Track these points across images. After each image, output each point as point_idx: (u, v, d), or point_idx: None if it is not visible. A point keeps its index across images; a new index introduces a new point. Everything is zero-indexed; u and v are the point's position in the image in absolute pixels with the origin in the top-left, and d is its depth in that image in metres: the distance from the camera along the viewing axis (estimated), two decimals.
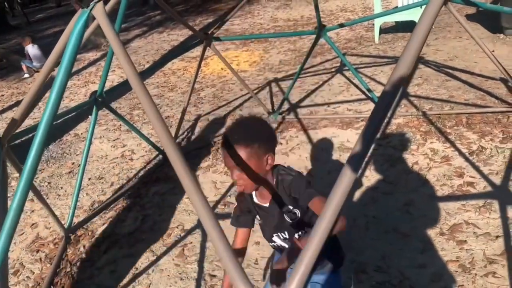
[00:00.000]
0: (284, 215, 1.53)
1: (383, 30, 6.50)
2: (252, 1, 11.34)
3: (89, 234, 3.09)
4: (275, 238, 1.62)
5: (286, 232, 1.58)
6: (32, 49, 8.25)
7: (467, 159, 3.06)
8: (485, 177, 2.83)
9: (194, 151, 4.01)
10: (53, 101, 1.32)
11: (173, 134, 4.00)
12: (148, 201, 3.35)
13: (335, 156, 3.47)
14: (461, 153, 3.15)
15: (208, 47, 3.71)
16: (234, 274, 0.93)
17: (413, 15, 5.79)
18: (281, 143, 3.85)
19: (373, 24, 6.60)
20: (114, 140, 4.62)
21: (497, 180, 2.78)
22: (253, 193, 1.60)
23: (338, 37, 7.01)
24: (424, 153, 3.24)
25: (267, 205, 1.56)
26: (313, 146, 3.67)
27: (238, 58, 6.90)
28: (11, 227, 1.28)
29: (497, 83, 4.16)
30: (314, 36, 3.98)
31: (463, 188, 2.78)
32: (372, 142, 0.97)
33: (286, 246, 1.61)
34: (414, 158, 3.20)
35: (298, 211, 1.52)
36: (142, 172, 3.83)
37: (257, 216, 1.63)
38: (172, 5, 13.68)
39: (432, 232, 2.47)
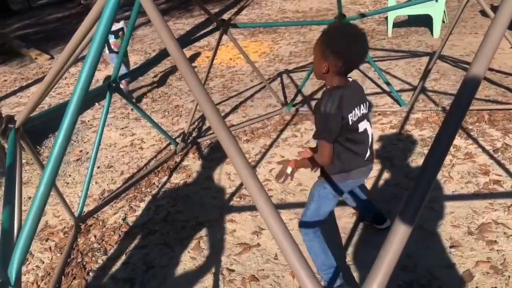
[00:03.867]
0: None
1: (395, 24, 6.38)
2: None
3: (100, 224, 2.99)
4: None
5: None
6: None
7: (491, 157, 2.98)
8: None
9: (207, 142, 3.91)
10: (84, 78, 1.21)
11: (185, 124, 3.90)
12: (160, 192, 3.26)
13: None
14: (484, 150, 3.06)
15: (225, 34, 3.60)
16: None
17: (428, 8, 5.67)
18: (296, 136, 3.75)
19: (385, 18, 6.48)
20: (122, 128, 4.50)
21: None
22: None
23: None
24: None
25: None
26: None
27: (247, 48, 6.77)
28: (35, 218, 1.18)
29: None
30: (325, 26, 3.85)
31: (489, 186, 2.69)
32: (454, 138, 0.89)
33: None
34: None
35: None
36: (152, 162, 3.72)
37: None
38: None
39: (459, 231, 2.38)
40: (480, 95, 3.86)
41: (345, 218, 2.63)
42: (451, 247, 2.29)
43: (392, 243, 0.84)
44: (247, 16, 9.20)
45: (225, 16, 3.77)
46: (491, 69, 4.39)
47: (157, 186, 3.33)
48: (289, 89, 4.89)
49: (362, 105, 1.83)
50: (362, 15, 3.85)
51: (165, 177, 3.43)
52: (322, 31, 1.78)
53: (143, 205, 3.14)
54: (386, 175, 3.00)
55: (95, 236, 2.87)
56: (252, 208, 2.87)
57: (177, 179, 3.39)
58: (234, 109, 4.59)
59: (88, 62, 1.23)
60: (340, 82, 1.78)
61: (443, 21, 5.95)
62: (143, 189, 3.32)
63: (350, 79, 1.85)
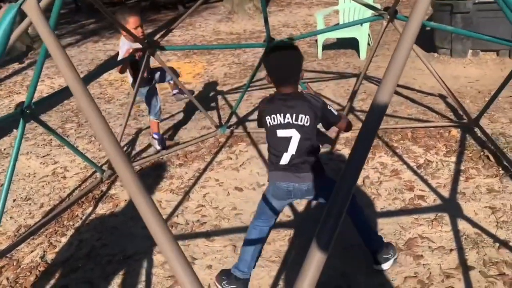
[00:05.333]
0: None
1: (325, 47, 6.64)
2: (193, 13, 11.16)
3: (14, 263, 2.68)
4: None
5: None
6: None
7: (415, 173, 3.12)
8: (434, 190, 2.89)
9: (136, 168, 3.72)
10: None
11: None
12: (84, 224, 3.01)
13: None
14: (409, 167, 3.20)
15: (152, 56, 3.49)
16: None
17: (355, 32, 5.97)
18: (231, 158, 3.69)
19: (315, 40, 6.73)
20: (43, 157, 4.17)
21: (445, 193, 2.84)
22: None
23: None
24: (374, 167, 3.26)
25: None
26: (264, 161, 3.55)
27: (180, 69, 6.65)
28: None
29: (436, 99, 4.36)
30: (260, 49, 3.90)
31: (414, 202, 2.80)
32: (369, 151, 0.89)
33: None
34: (365, 172, 3.20)
35: None
36: (76, 192, 3.46)
37: None
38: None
39: None
40: (404, 114, 4.08)
41: (279, 242, 2.59)
42: None
43: (309, 267, 0.79)
44: (181, 37, 9.13)
45: (159, 38, 3.66)
46: (412, 89, 4.68)
47: (81, 218, 3.08)
48: (224, 111, 4.85)
49: (288, 115, 1.98)
50: (291, 39, 3.94)
51: (90, 208, 3.19)
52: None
53: (64, 240, 2.88)
54: None
55: (7, 279, 2.57)
56: (184, 237, 2.74)
57: (103, 209, 3.16)
58: (167, 131, 4.45)
59: None
60: (277, 92, 2.06)
61: (368, 44, 6.29)
62: (65, 222, 3.06)
63: (291, 90, 2.03)
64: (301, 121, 1.97)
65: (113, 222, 2.99)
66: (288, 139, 1.99)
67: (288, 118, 1.97)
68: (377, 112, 0.90)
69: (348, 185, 0.85)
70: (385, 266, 2.25)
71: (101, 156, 4.04)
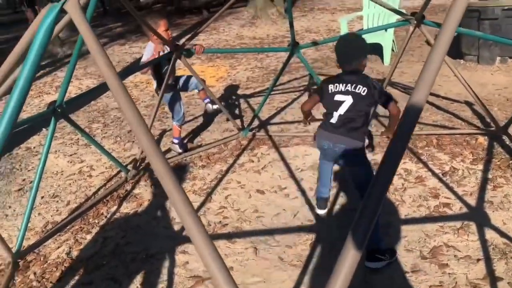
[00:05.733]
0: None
1: None
2: (217, 18, 11.31)
3: (41, 259, 2.76)
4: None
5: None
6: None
7: (440, 180, 3.06)
8: (460, 198, 2.83)
9: None
10: (12, 107, 1.10)
11: (138, 150, 3.76)
12: (109, 222, 3.08)
13: (309, 174, 3.37)
14: (434, 174, 3.15)
15: (178, 59, 3.55)
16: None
17: (379, 37, 5.92)
18: (253, 161, 3.71)
19: None
20: (71, 155, 4.28)
21: (471, 201, 2.78)
22: None
23: (305, 56, 7.03)
24: (398, 173, 3.21)
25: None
26: (285, 164, 3.55)
27: (204, 73, 6.75)
28: None
29: (462, 106, 4.27)
30: (283, 53, 3.92)
31: (439, 209, 2.75)
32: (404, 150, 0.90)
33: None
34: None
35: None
36: (102, 190, 3.54)
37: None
38: (132, 18, 13.40)
39: (413, 256, 2.39)
40: (429, 121, 4.01)
41: (301, 246, 2.58)
42: (406, 272, 2.29)
43: (342, 267, 0.80)
44: (205, 41, 9.24)
45: (184, 41, 3.72)
46: (438, 96, 4.60)
47: (106, 217, 3.15)
48: (246, 114, 4.88)
49: (348, 84, 2.36)
50: (315, 44, 3.94)
51: (115, 207, 3.26)
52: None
53: (89, 237, 2.94)
54: (341, 199, 3.00)
55: (34, 273, 2.64)
56: None
57: (128, 208, 3.22)
58: (190, 133, 4.50)
59: (18, 88, 1.12)
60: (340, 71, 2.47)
61: (392, 50, 6.23)
62: (90, 220, 3.13)
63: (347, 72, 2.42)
64: (358, 90, 2.33)
65: (137, 221, 3.04)
66: (341, 102, 2.36)
67: (348, 87, 2.36)
68: (411, 117, 0.91)
69: (381, 189, 0.85)
70: (372, 264, 2.29)
71: (126, 156, 4.13)
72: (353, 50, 2.42)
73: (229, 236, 2.76)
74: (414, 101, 0.90)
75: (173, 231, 2.89)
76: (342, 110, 2.37)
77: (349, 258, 0.77)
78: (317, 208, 2.82)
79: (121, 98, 0.97)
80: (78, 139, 4.60)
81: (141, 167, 3.77)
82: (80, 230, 3.02)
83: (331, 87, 2.41)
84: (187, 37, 3.76)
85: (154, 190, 3.44)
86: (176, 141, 4.00)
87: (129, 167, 3.65)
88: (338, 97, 2.38)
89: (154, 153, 0.94)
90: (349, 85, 2.36)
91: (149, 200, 3.29)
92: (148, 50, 3.60)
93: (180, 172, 3.68)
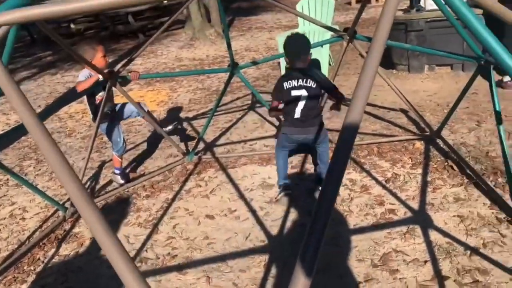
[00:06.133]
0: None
1: (287, 69, 6.73)
2: (154, 41, 11.14)
3: None
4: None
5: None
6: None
7: (384, 187, 3.15)
8: (403, 203, 2.92)
9: (101, 203, 3.56)
10: None
11: None
12: (47, 268, 2.82)
13: (258, 194, 3.33)
14: (378, 182, 3.23)
15: (113, 87, 3.41)
16: None
17: (316, 53, 6.10)
18: (200, 185, 3.61)
19: (279, 63, 6.83)
20: (0, 198, 3.93)
21: (415, 205, 2.88)
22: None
23: (246, 75, 7.09)
24: (343, 184, 3.26)
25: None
26: (234, 186, 3.49)
27: (144, 97, 6.58)
28: None
29: (398, 113, 4.48)
30: (224, 74, 3.91)
31: (386, 216, 2.81)
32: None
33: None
34: None
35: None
36: (37, 233, 3.26)
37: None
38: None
39: (365, 265, 2.41)
40: (368, 130, 4.15)
41: (255, 268, 2.52)
42: (359, 283, 2.29)
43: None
44: (143, 65, 9.05)
45: (118, 67, 3.58)
46: (374, 105, 4.79)
47: (43, 262, 2.89)
48: (190, 137, 4.78)
49: (300, 79, 2.86)
50: (255, 63, 3.97)
51: (53, 250, 3.01)
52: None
53: (25, 287, 2.68)
54: (292, 216, 2.99)
55: None
56: (155, 272, 2.61)
57: (67, 249, 2.99)
58: (131, 162, 4.32)
59: None
60: (292, 67, 2.95)
61: (329, 64, 6.44)
62: (25, 267, 2.86)
63: (302, 66, 2.91)
64: (309, 84, 2.84)
65: (78, 263, 2.82)
66: (299, 97, 2.86)
67: (300, 82, 2.84)
68: (351, 128, 0.90)
69: (328, 204, 0.83)
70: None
71: (63, 193, 3.85)
72: (300, 47, 2.85)
73: (179, 268, 2.63)
74: (353, 112, 0.91)
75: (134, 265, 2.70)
76: (301, 104, 2.86)
77: (301, 282, 0.73)
78: (283, 195, 3.07)
79: (39, 139, 0.87)
80: (7, 179, 4.25)
81: None
82: (14, 280, 2.75)
83: (285, 85, 2.86)
84: (123, 62, 3.62)
85: None
86: (117, 171, 3.81)
87: (67, 204, 3.41)
88: (294, 93, 2.85)
89: (81, 197, 0.84)
90: (300, 80, 2.84)
91: (91, 238, 3.07)
92: (82, 77, 3.40)
93: (123, 204, 3.49)
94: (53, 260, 2.90)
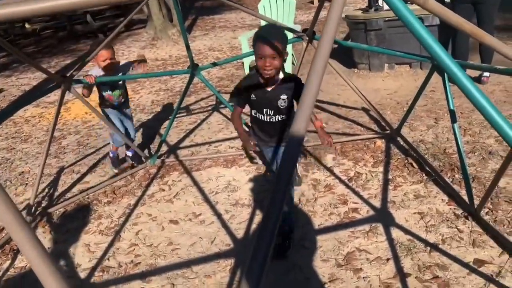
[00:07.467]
0: (279, 100, 2.38)
1: (252, 68, 6.73)
2: (115, 41, 10.82)
3: None
4: (265, 111, 2.44)
5: (272, 111, 2.43)
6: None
7: (347, 186, 3.19)
8: (366, 201, 2.96)
9: (59, 211, 3.42)
10: None
11: (31, 193, 3.36)
12: (2, 282, 2.67)
13: (223, 196, 3.30)
14: (341, 181, 3.27)
15: (68, 91, 3.27)
16: None
17: None
18: (164, 189, 3.54)
19: (242, 63, 6.80)
20: None
21: (377, 203, 2.93)
22: (260, 79, 2.35)
23: (210, 75, 7.03)
24: (308, 184, 3.29)
25: (269, 89, 2.38)
26: (198, 189, 3.44)
27: None
28: None
29: (360, 112, 4.56)
30: (187, 75, 3.84)
31: (349, 215, 2.85)
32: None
33: (269, 120, 2.46)
34: (300, 190, 3.21)
35: (287, 102, 2.39)
36: None
37: (253, 95, 2.40)
38: (20, 46, 12.27)
39: (329, 265, 2.43)
40: (332, 129, 4.20)
41: (220, 273, 2.49)
42: (324, 283, 2.31)
43: None
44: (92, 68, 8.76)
45: (74, 70, 3.44)
46: (337, 105, 4.86)
47: None
48: (153, 140, 4.68)
49: None
50: (215, 64, 3.93)
51: (8, 262, 2.85)
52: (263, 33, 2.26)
53: None
54: (257, 218, 2.97)
55: None
56: (117, 281, 2.53)
57: (24, 261, 2.84)
58: (92, 168, 4.17)
59: None
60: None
61: (293, 63, 6.48)
62: None
63: None
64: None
65: (35, 276, 2.68)
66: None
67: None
68: (300, 123, 0.89)
69: (277, 209, 0.82)
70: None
71: (18, 201, 3.68)
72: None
73: (142, 275, 2.56)
74: (302, 109, 0.91)
75: (78, 279, 2.60)
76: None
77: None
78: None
79: None
80: None
81: (37, 212, 3.38)
82: None
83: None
84: (77, 66, 3.48)
85: (54, 236, 3.09)
86: (111, 154, 3.94)
87: (23, 213, 3.24)
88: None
89: (12, 219, 0.78)
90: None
91: (48, 248, 2.94)
92: (94, 72, 3.58)
93: (83, 211, 3.36)
94: (8, 273, 2.75)
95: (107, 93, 3.72)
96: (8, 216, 0.79)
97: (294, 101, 2.45)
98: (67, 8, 0.81)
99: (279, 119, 2.45)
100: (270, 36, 2.19)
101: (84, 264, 2.73)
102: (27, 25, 13.31)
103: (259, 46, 2.19)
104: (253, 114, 2.54)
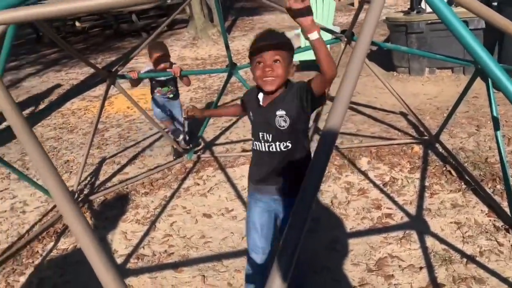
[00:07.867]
0: (276, 118, 1.76)
1: None
2: (157, 39, 11.15)
3: None
4: (260, 135, 1.83)
5: (270, 136, 1.80)
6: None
7: (382, 191, 3.15)
8: (400, 207, 2.92)
9: (100, 199, 3.58)
10: None
11: (75, 181, 3.54)
12: (45, 261, 2.85)
13: None
14: (375, 185, 3.24)
15: (112, 85, 3.43)
16: None
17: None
18: (198, 184, 3.63)
19: None
20: (1, 191, 3.96)
21: (412, 210, 2.88)
22: (260, 94, 1.85)
23: (247, 75, 7.10)
24: (341, 187, 3.27)
25: (265, 105, 1.82)
26: (232, 185, 3.50)
27: (146, 96, 6.56)
28: None
29: (397, 116, 4.48)
30: (225, 74, 3.92)
31: (382, 220, 2.82)
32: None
33: (268, 149, 1.82)
34: (333, 192, 3.21)
35: (288, 120, 1.75)
36: (37, 227, 3.28)
37: (251, 113, 1.91)
38: (71, 43, 12.86)
39: (360, 269, 2.41)
40: (367, 133, 4.15)
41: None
42: (354, 287, 2.30)
43: None
44: (146, 63, 9.05)
45: (119, 66, 3.60)
46: (374, 108, 4.79)
47: (41, 255, 2.91)
48: (190, 136, 4.79)
49: None
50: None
51: (51, 243, 3.03)
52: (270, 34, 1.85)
53: (23, 279, 2.70)
54: None
55: None
56: (151, 269, 2.63)
57: (66, 244, 3.01)
58: (132, 160, 4.34)
59: None
60: None
61: None
62: (24, 260, 2.88)
63: None
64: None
65: (76, 257, 2.84)
66: None
67: None
68: (332, 127, 0.91)
69: (306, 206, 0.84)
70: None
71: None
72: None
73: (175, 265, 2.65)
74: (334, 111, 0.92)
75: (115, 264, 2.73)
76: None
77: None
78: None
79: (22, 135, 0.89)
80: (9, 173, 4.27)
81: (80, 198, 3.56)
82: (13, 272, 2.77)
83: None
84: (121, 62, 3.64)
85: (94, 222, 3.25)
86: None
87: None
88: None
89: (62, 197, 0.85)
90: None
91: None
92: (143, 69, 4.02)
93: (122, 201, 3.51)
94: (52, 253, 2.92)
95: (157, 89, 4.17)
96: (62, 199, 0.86)
97: (309, 114, 1.83)
98: (109, 7, 0.85)
99: (282, 148, 1.79)
100: (273, 38, 1.78)
101: (120, 250, 2.86)
102: (77, 24, 13.94)
103: (257, 49, 1.76)
104: (252, 143, 1.93)
